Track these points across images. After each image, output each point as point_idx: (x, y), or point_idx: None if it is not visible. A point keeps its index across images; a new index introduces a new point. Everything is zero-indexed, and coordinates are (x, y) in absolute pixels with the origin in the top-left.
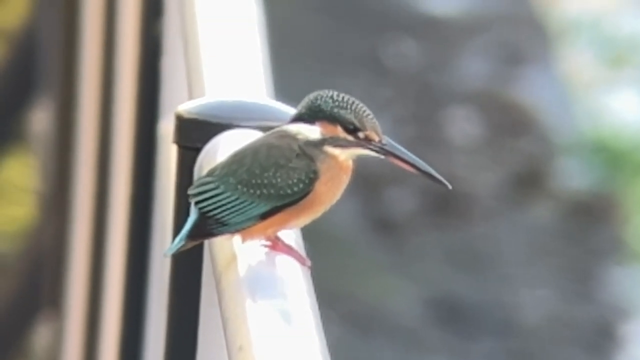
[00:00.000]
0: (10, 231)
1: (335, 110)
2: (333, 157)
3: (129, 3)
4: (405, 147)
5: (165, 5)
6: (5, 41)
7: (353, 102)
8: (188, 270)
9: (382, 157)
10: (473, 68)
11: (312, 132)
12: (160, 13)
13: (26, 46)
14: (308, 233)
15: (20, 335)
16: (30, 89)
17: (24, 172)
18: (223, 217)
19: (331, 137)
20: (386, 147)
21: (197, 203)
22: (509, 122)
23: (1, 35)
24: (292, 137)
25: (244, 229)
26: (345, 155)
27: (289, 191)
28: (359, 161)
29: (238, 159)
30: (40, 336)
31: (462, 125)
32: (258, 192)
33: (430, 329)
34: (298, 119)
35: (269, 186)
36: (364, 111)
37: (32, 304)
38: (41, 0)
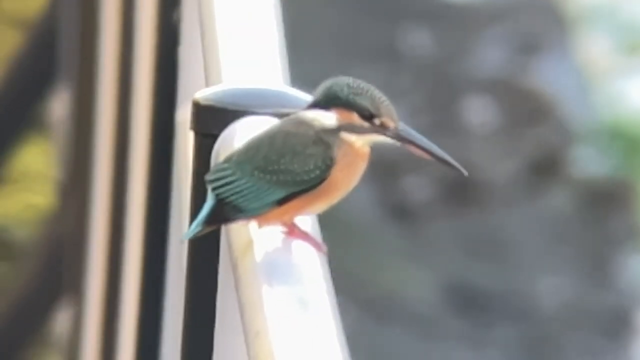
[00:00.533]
0: (30, 218)
1: (351, 96)
2: (349, 144)
3: None
4: (422, 135)
5: None
6: (24, 29)
7: (369, 89)
8: (205, 255)
9: (398, 143)
10: (490, 56)
11: (328, 118)
12: (178, 1)
13: (45, 34)
14: (324, 220)
15: (40, 321)
16: (49, 77)
17: (42, 160)
18: (240, 203)
19: (347, 124)
20: (402, 134)
21: (214, 189)
22: (526, 110)
23: (20, 23)
24: (308, 123)
25: (260, 214)
26: (362, 142)
27: (305, 177)
28: (375, 148)
29: (255, 146)
30: (60, 322)
31: (479, 113)
32: (274, 178)
33: (446, 316)
34: (314, 105)
35: (286, 172)
36: (380, 98)
37: (51, 290)
38: None
